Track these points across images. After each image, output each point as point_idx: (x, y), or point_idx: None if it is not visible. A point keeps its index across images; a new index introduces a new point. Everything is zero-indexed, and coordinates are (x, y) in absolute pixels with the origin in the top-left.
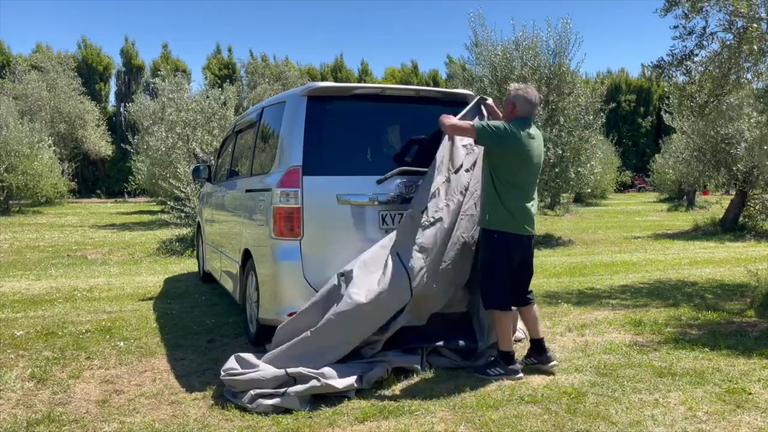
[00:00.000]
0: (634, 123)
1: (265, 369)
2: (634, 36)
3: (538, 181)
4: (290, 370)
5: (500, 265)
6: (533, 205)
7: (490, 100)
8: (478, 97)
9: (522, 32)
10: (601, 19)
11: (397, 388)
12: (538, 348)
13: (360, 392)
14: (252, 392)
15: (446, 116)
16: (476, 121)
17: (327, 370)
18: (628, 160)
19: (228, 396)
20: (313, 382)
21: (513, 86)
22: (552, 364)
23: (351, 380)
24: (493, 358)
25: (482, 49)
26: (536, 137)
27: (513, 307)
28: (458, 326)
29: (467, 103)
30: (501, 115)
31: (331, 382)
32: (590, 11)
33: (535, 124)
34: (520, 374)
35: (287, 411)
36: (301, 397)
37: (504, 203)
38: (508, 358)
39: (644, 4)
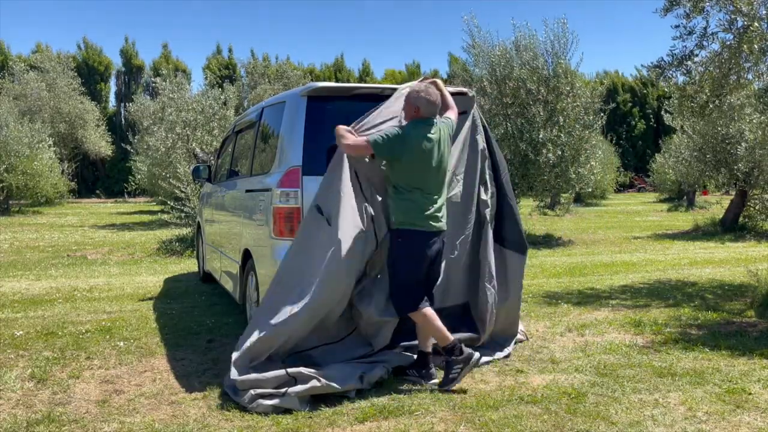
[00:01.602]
0: (632, 124)
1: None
2: (629, 37)
3: (445, 182)
4: (290, 370)
5: (413, 265)
6: (438, 203)
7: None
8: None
9: (518, 33)
10: (598, 21)
11: (397, 388)
12: (422, 362)
13: (360, 392)
14: (252, 392)
15: (341, 133)
16: (371, 136)
17: (328, 370)
18: (627, 161)
19: (229, 392)
20: (314, 383)
21: (413, 88)
22: (432, 381)
23: (351, 380)
24: (428, 367)
25: (480, 50)
26: (436, 138)
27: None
28: (459, 318)
29: (467, 102)
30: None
31: (331, 382)
32: (588, 12)
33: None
34: (435, 379)
35: (287, 411)
36: (301, 397)
37: (406, 203)
38: (454, 350)
39: (640, 5)
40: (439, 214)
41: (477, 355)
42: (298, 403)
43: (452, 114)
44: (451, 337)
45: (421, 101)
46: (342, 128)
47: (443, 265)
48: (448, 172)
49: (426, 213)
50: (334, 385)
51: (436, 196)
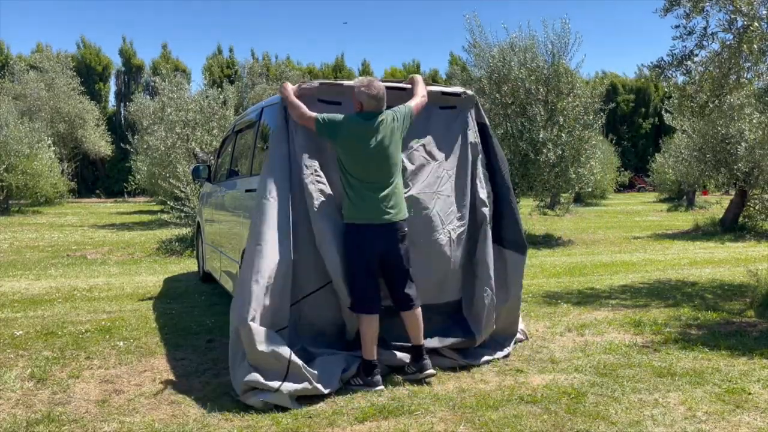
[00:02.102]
0: (634, 124)
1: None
2: (629, 37)
3: (393, 172)
4: (293, 359)
5: (356, 260)
6: (383, 193)
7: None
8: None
9: (517, 33)
10: (598, 21)
11: (397, 388)
12: (416, 355)
13: (360, 392)
14: (244, 385)
15: (295, 102)
16: (319, 114)
17: (317, 368)
18: (628, 161)
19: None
20: (305, 384)
21: (356, 83)
22: (426, 372)
23: (334, 382)
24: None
25: (480, 50)
26: (374, 128)
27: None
28: (455, 317)
29: (459, 101)
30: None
31: (319, 385)
32: (588, 12)
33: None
34: (381, 386)
35: (284, 409)
36: (292, 396)
37: (349, 195)
38: (368, 368)
39: (640, 5)
40: (385, 205)
41: (381, 387)
42: (289, 401)
43: (413, 102)
44: (375, 356)
45: (362, 96)
46: (293, 97)
47: (422, 257)
48: (444, 166)
49: (367, 205)
50: (321, 388)
51: (380, 187)
